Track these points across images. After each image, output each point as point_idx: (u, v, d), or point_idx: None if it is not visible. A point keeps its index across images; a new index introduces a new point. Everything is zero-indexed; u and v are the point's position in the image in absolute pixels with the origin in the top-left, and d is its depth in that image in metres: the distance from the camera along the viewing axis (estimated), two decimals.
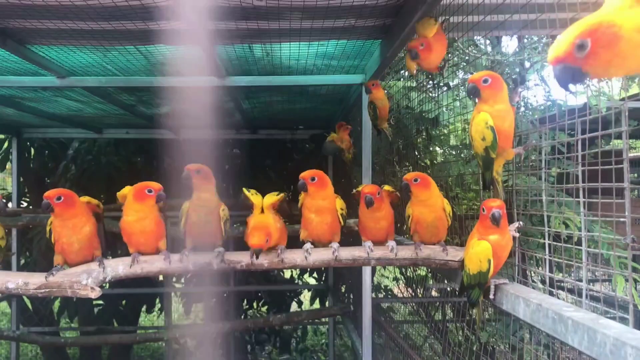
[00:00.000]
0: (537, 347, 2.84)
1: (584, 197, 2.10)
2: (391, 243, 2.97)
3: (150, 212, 2.93)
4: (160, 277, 9.09)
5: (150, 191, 2.90)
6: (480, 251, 2.36)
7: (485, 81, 2.37)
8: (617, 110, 1.87)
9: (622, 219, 1.81)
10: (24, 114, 6.45)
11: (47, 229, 2.88)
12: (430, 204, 2.90)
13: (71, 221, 2.83)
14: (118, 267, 2.84)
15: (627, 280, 2.69)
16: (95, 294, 2.71)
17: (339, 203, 3.06)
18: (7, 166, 9.11)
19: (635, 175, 5.99)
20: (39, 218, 6.88)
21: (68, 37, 3.70)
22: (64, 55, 4.19)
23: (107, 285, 8.71)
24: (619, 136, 1.89)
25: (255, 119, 7.31)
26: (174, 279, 9.92)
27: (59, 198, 2.77)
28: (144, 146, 9.44)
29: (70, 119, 6.98)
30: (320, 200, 3.01)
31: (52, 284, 2.71)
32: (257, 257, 2.81)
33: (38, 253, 8.38)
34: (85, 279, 2.72)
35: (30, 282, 2.72)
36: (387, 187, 3.10)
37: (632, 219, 1.80)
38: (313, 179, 2.97)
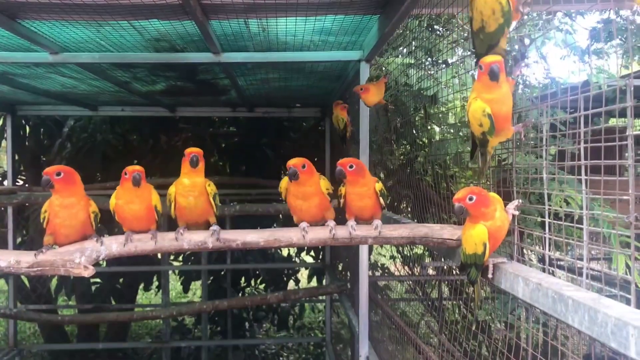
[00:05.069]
0: (535, 326, 2.84)
1: (585, 174, 2.06)
2: (376, 222, 2.93)
3: (137, 195, 2.89)
4: (159, 255, 9.08)
5: (125, 174, 2.85)
6: (476, 234, 2.31)
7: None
8: (622, 88, 1.82)
9: (625, 197, 1.77)
10: (17, 91, 6.36)
11: (42, 217, 2.81)
12: None
13: (69, 200, 2.78)
14: (112, 245, 2.80)
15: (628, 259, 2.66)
16: (88, 272, 2.68)
17: (323, 184, 2.99)
18: (1, 144, 9.04)
19: None
20: (34, 196, 6.86)
21: (60, 11, 3.60)
22: (56, 31, 4.10)
23: (104, 263, 8.76)
24: (618, 114, 1.84)
25: (252, 96, 7.22)
26: (172, 257, 9.93)
27: (58, 174, 2.72)
28: (139, 124, 9.37)
29: (65, 95, 6.89)
30: (308, 187, 2.96)
31: (45, 262, 2.67)
32: None
33: (35, 231, 8.36)
34: (79, 257, 2.69)
35: (22, 260, 2.68)
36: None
37: (633, 197, 1.77)
38: (304, 167, 2.88)
